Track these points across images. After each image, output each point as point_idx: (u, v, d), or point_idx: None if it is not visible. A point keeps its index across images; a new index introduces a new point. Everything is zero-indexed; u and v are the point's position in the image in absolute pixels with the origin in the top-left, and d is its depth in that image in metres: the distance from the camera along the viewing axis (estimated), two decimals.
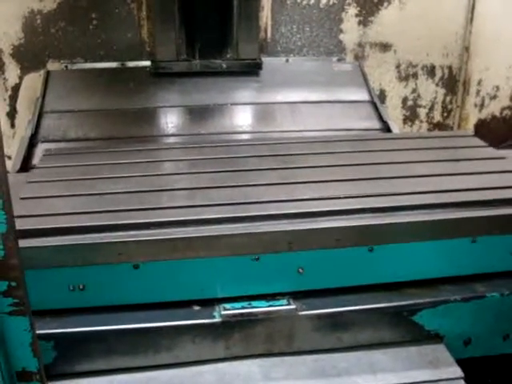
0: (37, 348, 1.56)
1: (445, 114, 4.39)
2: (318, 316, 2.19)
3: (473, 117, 4.39)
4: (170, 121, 3.46)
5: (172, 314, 2.16)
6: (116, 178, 2.54)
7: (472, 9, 4.09)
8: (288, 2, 3.92)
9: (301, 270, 2.20)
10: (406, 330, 2.26)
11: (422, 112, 4.35)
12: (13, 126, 3.89)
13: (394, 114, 4.23)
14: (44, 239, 2.06)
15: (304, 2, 3.93)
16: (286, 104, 3.58)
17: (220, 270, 2.16)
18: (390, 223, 2.21)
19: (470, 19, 4.11)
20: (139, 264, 2.09)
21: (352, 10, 4.01)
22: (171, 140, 3.36)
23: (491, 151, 2.87)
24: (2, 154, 1.40)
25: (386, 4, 4.02)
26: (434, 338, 2.29)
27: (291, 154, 2.80)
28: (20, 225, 1.73)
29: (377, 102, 3.65)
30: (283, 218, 2.20)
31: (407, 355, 2.22)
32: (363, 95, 3.71)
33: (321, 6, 3.96)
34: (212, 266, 2.14)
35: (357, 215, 2.23)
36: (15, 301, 1.49)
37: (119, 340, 2.10)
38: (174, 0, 3.46)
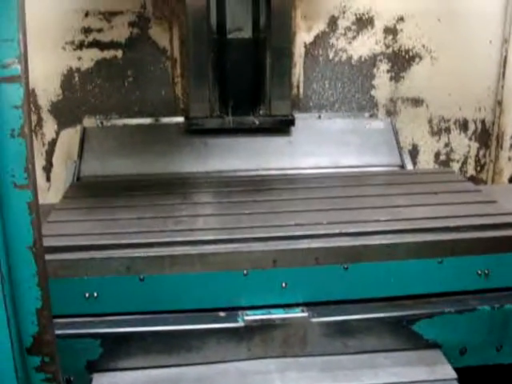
0: None
1: (478, 169, 4.35)
2: (327, 323, 2.43)
3: (507, 171, 4.32)
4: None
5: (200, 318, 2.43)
6: (130, 207, 2.87)
7: (504, 63, 4.08)
8: (320, 59, 3.96)
9: (284, 285, 2.45)
10: (406, 338, 2.49)
11: (455, 166, 4.31)
12: (48, 179, 3.97)
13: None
14: (64, 254, 2.35)
15: (336, 59, 3.97)
16: (316, 169, 3.62)
17: (214, 282, 2.42)
18: (363, 245, 2.47)
19: (503, 74, 4.10)
20: (144, 277, 2.37)
21: (384, 66, 4.03)
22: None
23: (469, 185, 3.22)
24: (39, 232, 1.42)
25: (417, 60, 4.04)
26: (432, 346, 2.50)
27: (286, 189, 3.13)
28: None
29: (406, 166, 3.69)
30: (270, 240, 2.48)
31: (407, 359, 2.47)
32: (394, 159, 3.72)
33: (352, 62, 3.99)
34: (207, 279, 2.41)
35: (334, 238, 2.50)
36: (47, 376, 1.49)
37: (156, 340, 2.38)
38: (207, 58, 3.54)
